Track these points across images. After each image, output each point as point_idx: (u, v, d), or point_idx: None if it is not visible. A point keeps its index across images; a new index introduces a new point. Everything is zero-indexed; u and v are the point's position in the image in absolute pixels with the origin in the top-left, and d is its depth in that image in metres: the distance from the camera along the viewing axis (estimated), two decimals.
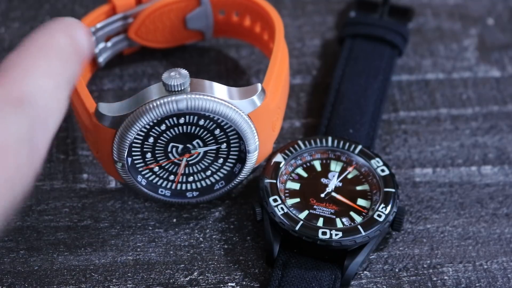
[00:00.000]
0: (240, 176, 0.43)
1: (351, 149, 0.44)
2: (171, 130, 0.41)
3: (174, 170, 0.43)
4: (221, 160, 0.43)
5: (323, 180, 0.44)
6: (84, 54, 0.32)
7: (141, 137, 0.41)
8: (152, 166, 0.42)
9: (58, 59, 0.30)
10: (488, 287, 0.42)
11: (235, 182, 0.43)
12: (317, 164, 0.44)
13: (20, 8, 0.57)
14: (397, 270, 0.42)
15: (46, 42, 0.30)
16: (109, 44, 0.50)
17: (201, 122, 0.41)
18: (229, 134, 0.41)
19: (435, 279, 0.42)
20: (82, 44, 0.32)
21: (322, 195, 0.43)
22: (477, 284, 0.42)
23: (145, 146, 0.41)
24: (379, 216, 0.41)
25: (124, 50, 0.52)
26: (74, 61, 0.31)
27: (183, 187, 0.44)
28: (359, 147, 0.44)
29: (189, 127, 0.41)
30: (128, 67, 0.53)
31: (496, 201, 0.46)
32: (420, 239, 0.44)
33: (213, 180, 0.44)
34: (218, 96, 0.39)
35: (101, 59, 0.50)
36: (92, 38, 0.33)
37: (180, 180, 0.43)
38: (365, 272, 0.42)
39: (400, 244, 0.44)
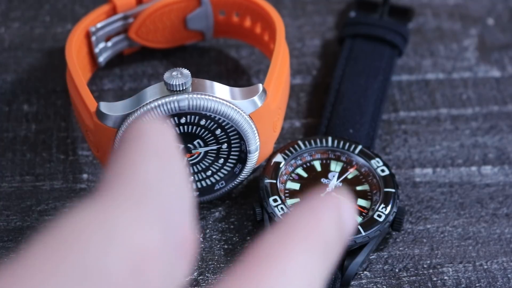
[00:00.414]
0: (241, 176, 0.43)
1: (351, 149, 0.44)
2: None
3: None
4: (221, 161, 0.43)
5: (323, 180, 0.44)
6: (346, 240, 0.25)
7: None
8: None
9: (322, 252, 0.23)
10: (488, 287, 0.42)
11: (235, 182, 0.43)
12: (317, 164, 0.44)
13: (20, 8, 0.57)
14: (397, 270, 0.42)
15: (312, 229, 0.24)
16: (109, 44, 0.50)
17: (202, 122, 0.40)
18: (230, 134, 0.41)
19: (435, 279, 0.42)
20: (349, 230, 0.25)
21: (322, 195, 0.43)
22: (477, 284, 0.42)
23: None
24: (379, 216, 0.41)
25: (124, 50, 0.52)
26: (335, 253, 0.24)
27: None
28: (359, 147, 0.44)
29: (190, 127, 0.41)
30: (128, 67, 0.53)
31: (496, 201, 0.46)
32: (420, 239, 0.44)
33: (214, 180, 0.43)
34: (220, 96, 0.39)
35: (101, 59, 0.50)
36: (355, 217, 0.26)
37: None
38: (365, 272, 0.42)
39: (400, 244, 0.44)
